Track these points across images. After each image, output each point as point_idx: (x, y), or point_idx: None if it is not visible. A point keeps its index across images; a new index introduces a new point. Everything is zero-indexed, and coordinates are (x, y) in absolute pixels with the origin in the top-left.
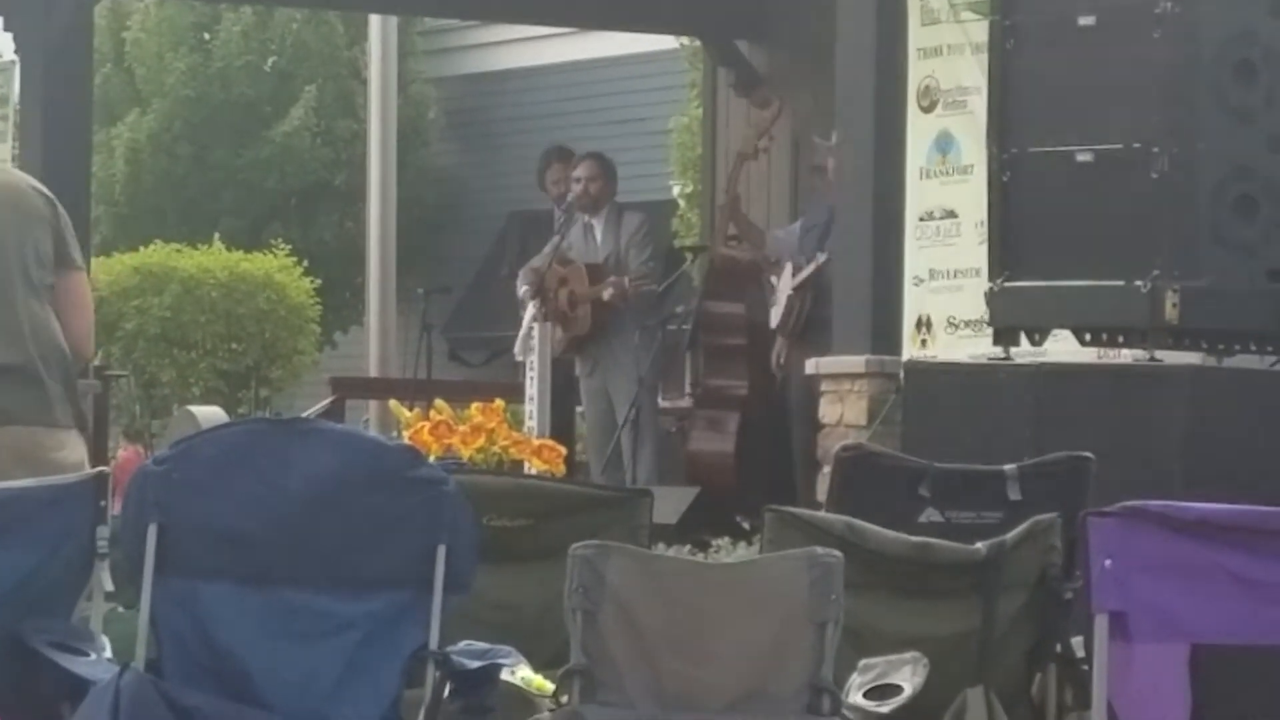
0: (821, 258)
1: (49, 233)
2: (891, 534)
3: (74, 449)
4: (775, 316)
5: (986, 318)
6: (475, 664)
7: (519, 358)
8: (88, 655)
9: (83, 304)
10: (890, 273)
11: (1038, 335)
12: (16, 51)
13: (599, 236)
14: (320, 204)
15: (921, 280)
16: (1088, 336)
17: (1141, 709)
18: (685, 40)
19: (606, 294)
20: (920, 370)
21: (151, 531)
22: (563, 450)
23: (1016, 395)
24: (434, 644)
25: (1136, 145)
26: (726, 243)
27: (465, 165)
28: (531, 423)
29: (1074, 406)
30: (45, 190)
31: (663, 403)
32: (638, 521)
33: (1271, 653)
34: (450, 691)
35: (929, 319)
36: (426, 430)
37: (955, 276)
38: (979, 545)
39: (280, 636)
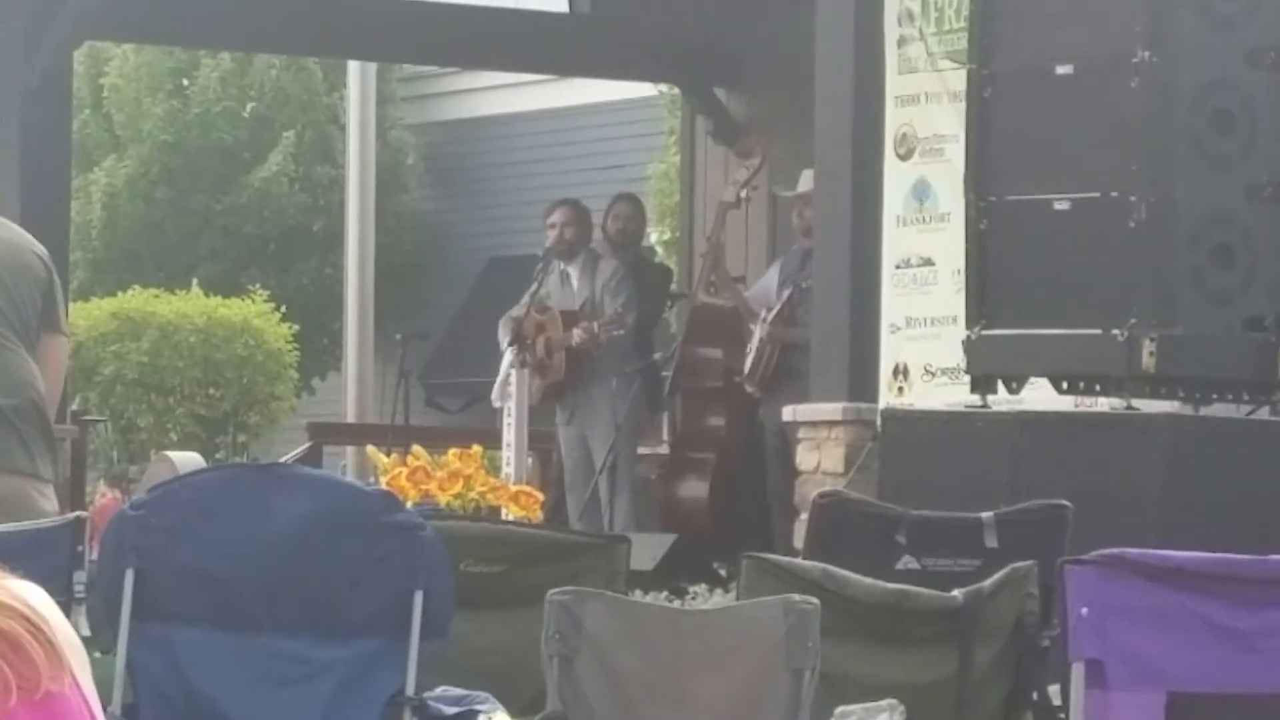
0: (805, 284)
1: (40, 292)
2: (868, 581)
3: (50, 500)
4: (747, 364)
5: (964, 365)
6: (452, 710)
7: (496, 404)
8: None
9: (58, 369)
10: (867, 320)
11: (1015, 383)
12: None
13: (575, 283)
14: (298, 249)
15: (898, 328)
16: (1065, 385)
17: None
18: (664, 88)
19: (575, 339)
20: (897, 418)
21: (129, 576)
22: (539, 496)
23: (993, 443)
24: (410, 689)
25: (1114, 194)
26: (707, 289)
27: (444, 211)
28: (509, 469)
29: (1051, 455)
30: (44, 253)
31: (641, 449)
32: (615, 567)
33: (1248, 701)
34: None
35: (906, 367)
36: (404, 476)
37: (932, 324)
38: (956, 593)
39: (257, 682)
